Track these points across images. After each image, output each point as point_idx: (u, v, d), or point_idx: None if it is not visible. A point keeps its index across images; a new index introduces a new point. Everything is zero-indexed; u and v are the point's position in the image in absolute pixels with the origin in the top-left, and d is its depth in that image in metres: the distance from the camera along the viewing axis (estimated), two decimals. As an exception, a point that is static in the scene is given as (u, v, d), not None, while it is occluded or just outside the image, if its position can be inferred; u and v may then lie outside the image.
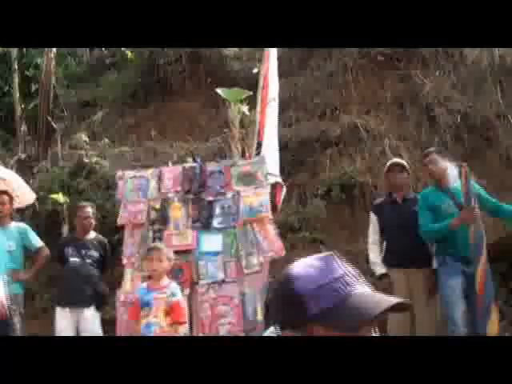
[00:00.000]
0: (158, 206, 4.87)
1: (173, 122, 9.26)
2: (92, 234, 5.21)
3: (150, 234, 4.85)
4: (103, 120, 9.63)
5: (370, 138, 7.50)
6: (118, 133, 9.03)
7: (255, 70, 9.22)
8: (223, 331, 4.44)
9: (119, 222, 4.95)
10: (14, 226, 5.20)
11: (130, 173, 5.11)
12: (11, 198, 5.21)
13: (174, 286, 3.71)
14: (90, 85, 10.63)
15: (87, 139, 7.64)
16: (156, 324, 3.50)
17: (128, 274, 4.87)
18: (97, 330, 4.94)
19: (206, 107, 9.35)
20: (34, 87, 10.57)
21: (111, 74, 10.84)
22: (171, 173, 4.99)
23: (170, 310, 3.57)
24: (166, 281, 3.71)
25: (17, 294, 5.00)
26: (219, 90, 5.95)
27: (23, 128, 8.58)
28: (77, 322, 4.92)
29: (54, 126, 8.14)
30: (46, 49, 8.38)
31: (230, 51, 9.61)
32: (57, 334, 4.87)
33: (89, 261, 5.03)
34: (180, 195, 4.88)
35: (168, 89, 9.46)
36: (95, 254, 5.08)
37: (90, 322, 4.92)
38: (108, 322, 4.98)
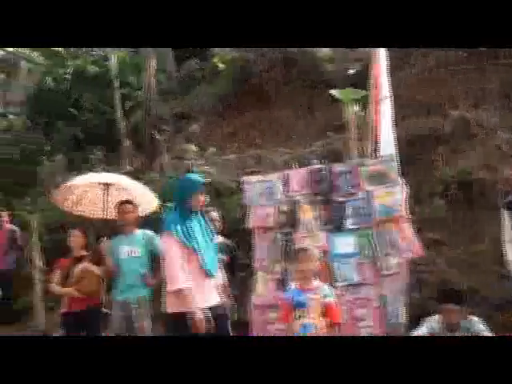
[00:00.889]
0: (286, 209, 4.84)
1: (271, 128, 9.29)
2: (219, 238, 5.25)
3: (279, 236, 4.82)
4: (200, 130, 9.82)
5: (482, 133, 7.18)
6: (218, 142, 9.17)
7: (351, 71, 9.10)
8: (364, 334, 4.32)
9: (248, 225, 4.98)
10: (141, 232, 5.34)
11: (255, 177, 5.13)
12: (135, 207, 5.35)
13: (327, 287, 3.64)
14: (184, 98, 10.89)
15: (195, 149, 7.79)
16: (312, 325, 3.44)
17: (260, 277, 4.86)
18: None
19: (302, 111, 9.33)
20: (128, 104, 10.97)
21: (203, 86, 11.07)
22: (297, 175, 4.95)
23: (326, 311, 3.50)
24: (316, 282, 3.64)
25: (145, 298, 5.14)
26: (333, 91, 5.88)
27: (127, 143, 8.88)
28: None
29: (158, 138, 8.36)
30: (147, 65, 8.65)
31: (323, 53, 9.55)
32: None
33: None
34: (308, 197, 4.83)
35: (263, 95, 9.52)
36: (224, 257, 5.11)
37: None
38: (240, 325, 4.99)
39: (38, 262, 7.40)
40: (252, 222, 4.96)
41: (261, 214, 4.92)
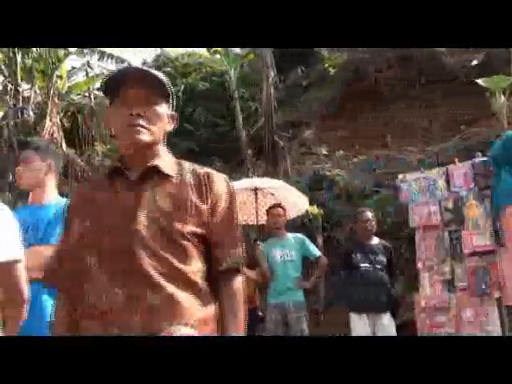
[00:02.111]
0: (450, 206, 4.66)
1: (390, 126, 9.10)
2: (375, 240, 5.16)
3: (446, 235, 4.64)
4: (314, 135, 9.81)
5: None
6: (336, 145, 9.11)
7: (474, 62, 8.74)
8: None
9: (411, 224, 4.85)
10: (291, 236, 5.36)
11: (412, 175, 4.99)
12: (285, 210, 5.40)
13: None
14: (294, 105, 10.94)
15: (326, 153, 7.77)
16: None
17: (425, 278, 4.70)
18: (393, 335, 4.85)
19: (421, 108, 9.07)
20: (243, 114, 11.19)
21: (312, 92, 11.08)
22: (459, 170, 4.75)
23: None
24: None
25: (301, 301, 5.15)
26: (479, 81, 5.62)
27: (250, 151, 9.04)
28: (374, 327, 4.88)
29: (281, 144, 8.43)
30: (264, 76, 8.76)
31: (442, 48, 9.22)
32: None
33: (378, 266, 4.98)
34: (474, 192, 4.61)
35: (379, 96, 9.36)
36: (383, 259, 5.01)
37: (387, 327, 4.85)
38: (407, 326, 4.87)
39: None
40: (414, 221, 4.81)
41: (423, 213, 4.76)
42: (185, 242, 1.51)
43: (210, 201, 1.57)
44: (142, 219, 1.50)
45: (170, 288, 1.46)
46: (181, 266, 1.49)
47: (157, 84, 1.61)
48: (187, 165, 1.66)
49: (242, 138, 9.40)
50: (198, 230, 1.53)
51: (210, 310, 1.52)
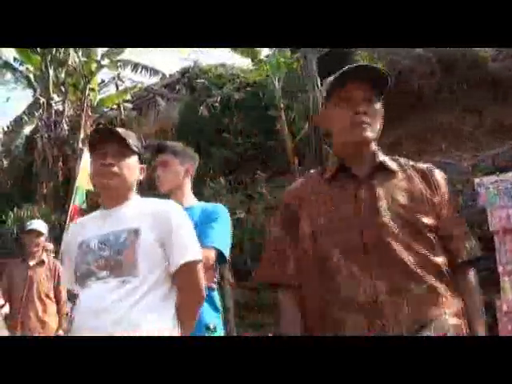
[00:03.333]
0: (531, 208, 4.64)
1: (435, 132, 9.08)
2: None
3: (528, 238, 4.62)
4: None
5: None
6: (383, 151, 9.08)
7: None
8: None
9: (491, 228, 4.83)
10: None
11: (489, 178, 4.98)
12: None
13: None
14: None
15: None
16: None
17: (506, 282, 4.67)
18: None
19: (465, 114, 9.04)
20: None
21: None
22: (538, 171, 4.75)
23: None
24: None
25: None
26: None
27: (296, 160, 9.07)
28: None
29: (330, 151, 8.45)
30: (309, 84, 8.80)
31: (487, 53, 9.21)
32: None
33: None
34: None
35: (422, 102, 9.34)
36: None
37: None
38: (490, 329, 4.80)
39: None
40: (494, 225, 4.79)
41: (502, 216, 4.75)
42: (429, 234, 1.52)
43: (439, 194, 1.59)
44: (386, 213, 1.52)
45: (430, 279, 1.47)
46: (433, 257, 1.50)
47: (373, 81, 1.63)
48: (402, 161, 1.69)
49: (288, 147, 9.43)
50: (435, 223, 1.54)
51: (460, 302, 1.53)
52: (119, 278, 1.81)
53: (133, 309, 1.77)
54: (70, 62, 14.19)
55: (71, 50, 14.27)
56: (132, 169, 1.99)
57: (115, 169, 1.92)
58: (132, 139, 2.00)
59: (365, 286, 1.47)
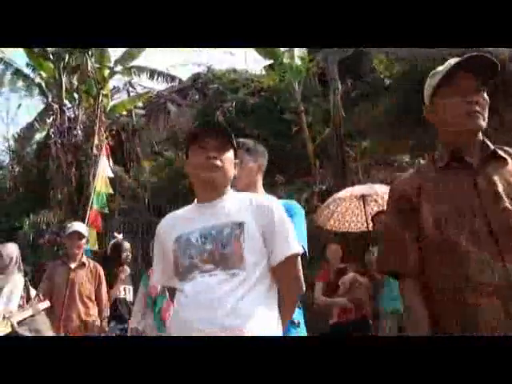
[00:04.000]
0: None
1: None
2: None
3: None
4: (373, 144, 9.87)
5: None
6: (407, 153, 9.16)
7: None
8: None
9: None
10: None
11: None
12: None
13: None
14: (354, 115, 11.01)
15: (408, 160, 7.82)
16: None
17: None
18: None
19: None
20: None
21: (366, 104, 11.14)
22: None
23: None
24: None
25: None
26: None
27: (317, 162, 9.11)
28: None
29: (351, 153, 8.50)
30: (331, 87, 8.85)
31: (505, 53, 9.26)
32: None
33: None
34: None
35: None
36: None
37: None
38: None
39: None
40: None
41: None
42: None
43: None
44: (507, 199, 1.60)
45: None
46: None
47: (482, 70, 1.72)
48: (508, 149, 1.78)
49: (309, 149, 9.47)
50: None
51: None
52: (227, 271, 1.83)
53: (242, 301, 1.79)
54: (83, 68, 14.25)
55: (84, 57, 14.34)
56: (231, 163, 2.03)
57: (218, 162, 1.95)
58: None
59: (497, 270, 1.51)
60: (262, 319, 1.80)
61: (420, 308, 1.64)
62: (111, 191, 10.64)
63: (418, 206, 1.70)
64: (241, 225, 1.89)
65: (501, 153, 1.71)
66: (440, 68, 1.81)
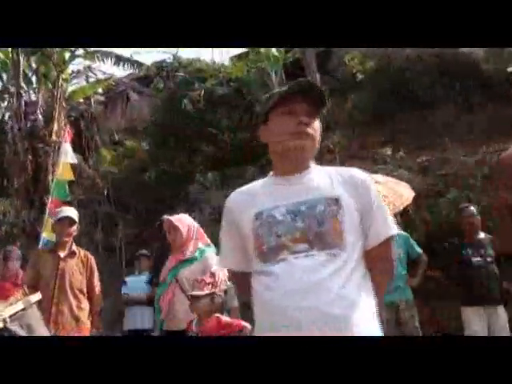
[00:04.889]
0: None
1: (428, 131, 9.26)
2: (482, 234, 5.24)
3: None
4: (341, 140, 9.89)
5: None
6: (369, 150, 9.21)
7: (510, 69, 9.03)
8: None
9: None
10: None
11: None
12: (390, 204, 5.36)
13: None
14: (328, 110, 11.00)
15: (389, 152, 7.85)
16: None
17: None
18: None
19: (460, 113, 9.28)
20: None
21: (340, 98, 11.15)
22: None
23: None
24: None
25: (411, 299, 5.16)
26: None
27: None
28: (489, 320, 4.95)
29: (328, 143, 8.47)
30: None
31: (479, 54, 9.49)
32: (472, 335, 4.90)
33: (489, 259, 5.08)
34: None
35: (418, 101, 9.50)
36: (491, 252, 5.11)
37: (502, 319, 4.95)
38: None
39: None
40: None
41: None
42: None
43: None
44: None
45: None
46: None
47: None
48: None
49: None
50: None
51: None
52: (327, 251, 1.65)
53: (347, 285, 1.63)
54: (42, 50, 13.55)
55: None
56: (319, 132, 1.83)
57: (309, 130, 1.76)
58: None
59: None
60: (367, 307, 1.68)
61: None
62: (73, 178, 10.11)
63: None
64: (337, 200, 1.72)
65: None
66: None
